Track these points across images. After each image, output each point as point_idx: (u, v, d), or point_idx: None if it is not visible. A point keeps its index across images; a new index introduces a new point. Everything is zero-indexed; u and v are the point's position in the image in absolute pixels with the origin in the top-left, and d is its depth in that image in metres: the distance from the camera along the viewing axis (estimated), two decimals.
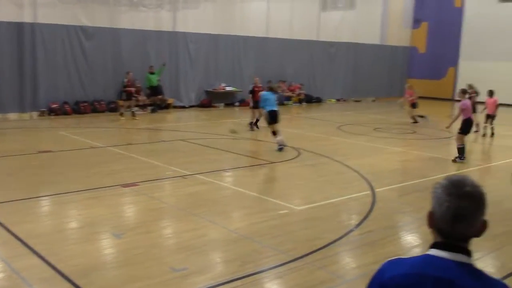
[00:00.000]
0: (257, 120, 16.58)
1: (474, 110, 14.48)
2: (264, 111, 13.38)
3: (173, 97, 22.27)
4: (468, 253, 1.94)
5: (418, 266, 1.94)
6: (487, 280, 1.91)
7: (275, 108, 13.17)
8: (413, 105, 19.64)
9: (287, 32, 25.89)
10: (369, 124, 19.11)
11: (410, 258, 2.02)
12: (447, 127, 12.78)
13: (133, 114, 18.47)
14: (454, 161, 12.34)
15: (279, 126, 13.25)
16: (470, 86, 16.89)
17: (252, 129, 16.48)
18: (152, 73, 20.72)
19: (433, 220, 1.99)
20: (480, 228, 1.95)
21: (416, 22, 32.20)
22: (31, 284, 5.30)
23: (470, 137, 13.67)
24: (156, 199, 8.59)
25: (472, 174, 11.43)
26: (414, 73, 32.41)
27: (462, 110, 12.12)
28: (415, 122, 19.31)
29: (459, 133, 12.26)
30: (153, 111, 20.87)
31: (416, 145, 15.44)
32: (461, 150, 12.26)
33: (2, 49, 17.60)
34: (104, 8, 19.83)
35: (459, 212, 1.90)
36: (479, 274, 1.92)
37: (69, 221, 7.60)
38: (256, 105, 15.89)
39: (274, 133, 13.01)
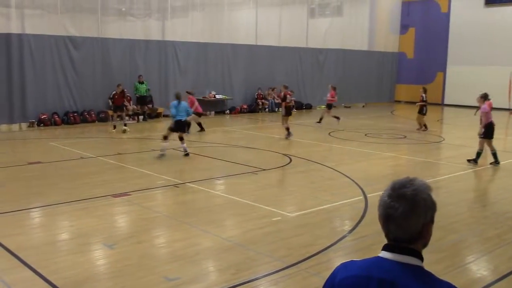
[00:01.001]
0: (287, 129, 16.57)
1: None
2: (172, 120, 13.34)
3: (162, 106, 22.21)
4: (416, 255, 1.93)
5: (366, 268, 1.97)
6: (434, 283, 1.90)
7: (182, 118, 13.15)
8: (420, 111, 18.89)
9: (275, 40, 25.98)
10: (360, 130, 19.18)
11: (362, 260, 2.04)
12: (479, 134, 12.53)
13: (124, 131, 17.82)
14: (469, 161, 12.56)
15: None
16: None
17: (288, 136, 16.47)
18: (141, 82, 20.67)
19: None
20: (420, 234, 1.92)
21: (404, 27, 32.45)
22: None
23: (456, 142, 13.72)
24: (148, 209, 8.54)
25: (462, 177, 11.50)
26: (402, 78, 32.63)
27: (486, 114, 12.23)
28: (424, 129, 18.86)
29: (482, 137, 12.34)
30: (143, 119, 20.82)
31: (406, 150, 15.51)
32: (478, 155, 12.39)
33: None
34: (92, 18, 19.79)
35: (388, 212, 1.93)
36: (425, 276, 1.90)
37: (61, 233, 7.52)
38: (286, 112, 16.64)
39: (166, 137, 13.02)
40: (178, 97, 13.27)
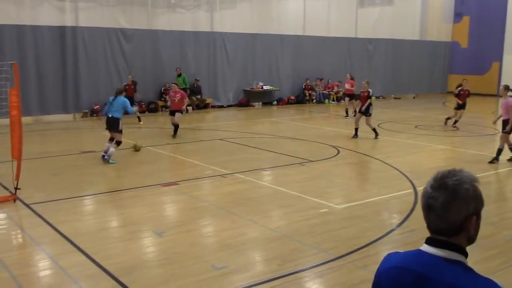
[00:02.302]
0: (356, 129, 15.08)
1: None
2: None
3: (211, 97, 22.45)
4: (457, 250, 1.87)
5: (406, 260, 1.96)
6: (471, 278, 1.81)
7: (110, 115, 11.55)
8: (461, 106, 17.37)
9: (324, 30, 25.70)
10: (410, 122, 18.76)
11: (404, 252, 2.03)
12: (494, 122, 12.33)
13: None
14: (491, 162, 11.61)
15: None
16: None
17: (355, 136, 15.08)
18: (178, 75, 20.54)
19: None
20: (462, 226, 1.86)
21: (457, 16, 31.39)
22: (77, 280, 5.43)
23: None
24: (196, 198, 8.67)
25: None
26: (456, 68, 31.61)
27: (509, 108, 11.42)
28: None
29: (504, 132, 11.63)
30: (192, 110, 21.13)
31: (459, 142, 15.04)
32: (499, 151, 11.63)
33: (46, 53, 18.13)
34: (142, 10, 20.17)
35: (428, 202, 1.91)
36: (463, 271, 1.83)
37: (112, 220, 7.76)
38: (362, 111, 14.85)
39: (112, 139, 11.70)
40: (116, 92, 11.86)
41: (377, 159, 11.99)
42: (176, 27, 21.00)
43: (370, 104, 14.83)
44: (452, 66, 31.91)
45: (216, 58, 22.40)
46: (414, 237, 6.82)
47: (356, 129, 14.96)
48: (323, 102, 25.04)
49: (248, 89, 23.57)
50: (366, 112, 14.79)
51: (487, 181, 10.04)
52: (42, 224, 7.22)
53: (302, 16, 24.85)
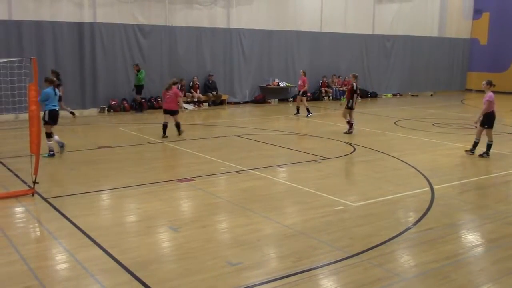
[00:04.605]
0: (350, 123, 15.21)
1: None
2: (45, 111, 11.13)
3: (227, 93, 22.49)
4: None
5: None
6: None
7: (57, 107, 11.27)
8: None
9: (341, 26, 25.56)
10: (427, 119, 18.58)
11: None
12: (476, 123, 12.28)
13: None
14: (481, 156, 12.11)
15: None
16: None
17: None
18: (138, 71, 19.33)
19: None
20: None
21: (477, 12, 30.97)
22: (93, 274, 5.49)
23: None
24: (211, 194, 8.70)
25: None
26: (475, 66, 31.21)
27: (490, 103, 11.83)
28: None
29: (487, 128, 12.01)
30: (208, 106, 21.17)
31: None
32: (489, 146, 12.10)
33: (64, 49, 18.32)
34: (159, 6, 20.25)
35: None
36: None
37: (128, 215, 7.82)
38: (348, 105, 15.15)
39: (49, 135, 11.34)
40: (52, 82, 11.23)
41: (393, 156, 11.90)
42: (192, 23, 21.07)
43: (351, 98, 15.05)
44: (471, 64, 31.52)
45: (233, 55, 22.42)
46: (431, 235, 6.75)
47: (348, 123, 15.17)
48: (339, 99, 24.91)
49: (264, 85, 23.55)
50: (347, 104, 15.19)
51: (506, 180, 9.90)
52: (60, 218, 7.31)
53: (319, 12, 24.74)
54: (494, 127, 12.22)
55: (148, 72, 20.21)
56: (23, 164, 9.84)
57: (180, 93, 15.58)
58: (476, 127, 12.50)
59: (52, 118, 11.26)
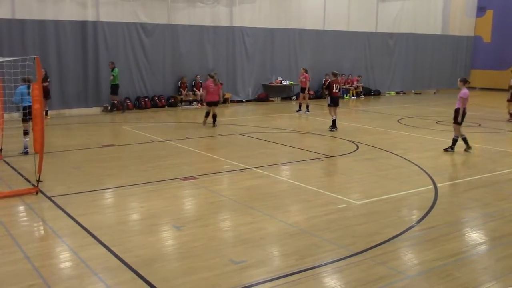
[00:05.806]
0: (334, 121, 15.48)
1: None
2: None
3: (230, 92, 22.48)
4: None
5: None
6: None
7: (30, 103, 10.29)
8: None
9: (344, 24, 25.52)
10: (431, 117, 18.55)
11: None
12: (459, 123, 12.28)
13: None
14: (445, 150, 12.32)
15: None
16: None
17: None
18: (112, 69, 18.85)
19: None
20: None
21: (481, 10, 30.87)
22: (97, 272, 5.50)
23: None
24: (214, 192, 8.70)
25: None
26: (478, 63, 31.13)
27: (464, 100, 12.02)
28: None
29: (456, 123, 12.21)
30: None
31: (481, 139, 14.82)
32: (454, 141, 12.31)
33: (67, 48, 18.35)
34: (162, 5, 20.26)
35: None
36: None
37: (132, 213, 7.83)
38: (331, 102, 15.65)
39: (26, 132, 11.36)
40: (29, 81, 11.03)
41: (396, 154, 11.89)
42: (195, 22, 21.06)
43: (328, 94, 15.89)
44: (474, 61, 31.44)
45: (235, 53, 22.41)
46: (434, 234, 6.74)
47: (334, 121, 15.43)
48: (342, 97, 24.87)
49: (267, 84, 23.54)
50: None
51: (510, 178, 9.86)
52: (63, 217, 7.33)
53: (321, 10, 24.71)
54: (462, 124, 12.34)
55: (151, 70, 20.25)
56: (27, 162, 9.87)
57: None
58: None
59: (26, 114, 10.86)
